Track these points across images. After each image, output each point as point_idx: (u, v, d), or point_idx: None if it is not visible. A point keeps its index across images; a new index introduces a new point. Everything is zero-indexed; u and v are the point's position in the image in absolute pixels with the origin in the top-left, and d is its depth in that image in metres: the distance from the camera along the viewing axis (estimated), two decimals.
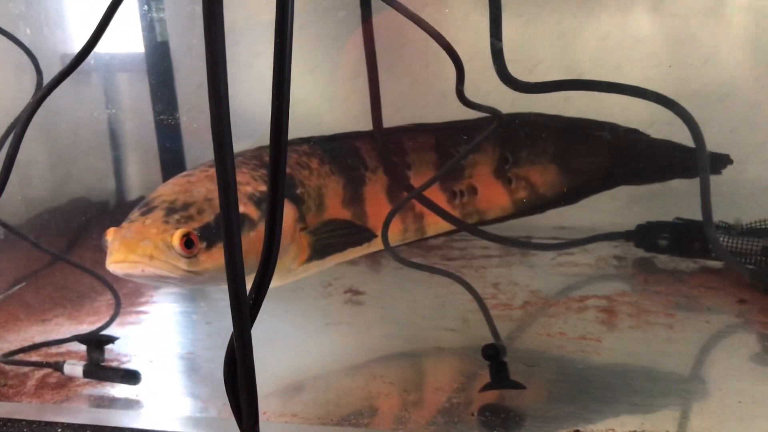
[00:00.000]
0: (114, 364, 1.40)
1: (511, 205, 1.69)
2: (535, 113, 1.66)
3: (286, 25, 0.70)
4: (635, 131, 1.71)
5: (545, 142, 1.71)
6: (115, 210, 2.18)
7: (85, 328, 1.60)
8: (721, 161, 1.68)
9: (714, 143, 1.60)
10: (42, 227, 1.95)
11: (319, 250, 1.31)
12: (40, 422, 1.22)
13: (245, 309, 0.75)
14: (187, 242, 1.07)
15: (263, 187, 1.21)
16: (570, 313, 1.56)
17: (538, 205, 1.71)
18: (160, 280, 1.10)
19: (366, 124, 1.53)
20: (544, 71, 1.78)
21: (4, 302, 1.77)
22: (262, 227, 0.93)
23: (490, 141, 1.64)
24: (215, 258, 1.09)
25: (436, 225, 1.58)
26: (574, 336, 1.45)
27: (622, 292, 1.66)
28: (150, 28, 1.92)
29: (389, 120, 1.53)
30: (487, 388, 1.21)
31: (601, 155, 1.76)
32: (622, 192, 1.80)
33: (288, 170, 1.32)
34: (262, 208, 1.17)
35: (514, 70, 1.32)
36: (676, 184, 1.82)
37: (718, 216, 1.67)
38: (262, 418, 0.82)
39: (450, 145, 1.62)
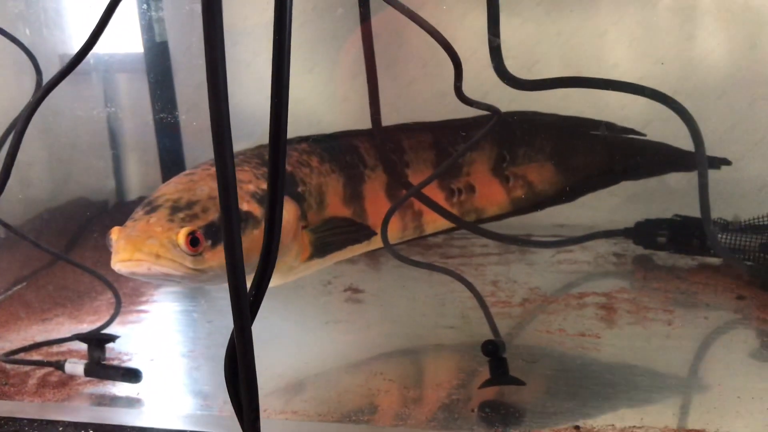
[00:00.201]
0: (115, 362, 1.41)
1: (508, 203, 1.70)
2: (532, 111, 1.66)
3: (284, 23, 0.70)
4: (631, 130, 1.72)
5: (542, 141, 1.71)
6: (115, 209, 2.19)
7: (85, 327, 1.60)
8: (716, 163, 1.68)
9: (712, 140, 1.61)
10: (42, 227, 1.95)
11: (320, 248, 1.31)
12: (41, 421, 1.23)
13: (246, 306, 0.76)
14: (193, 240, 1.07)
15: (266, 185, 1.21)
16: (569, 310, 1.56)
17: (536, 203, 1.72)
18: (165, 278, 1.10)
19: (365, 123, 1.53)
20: (541, 70, 1.78)
21: (5, 302, 1.77)
22: None
23: (488, 139, 1.65)
24: (220, 256, 1.08)
25: (434, 223, 1.59)
26: (573, 333, 1.45)
27: (621, 289, 1.66)
28: (149, 27, 1.93)
29: (388, 119, 1.54)
30: (486, 384, 1.22)
31: (597, 153, 1.76)
32: (621, 189, 1.80)
33: (289, 168, 1.32)
34: (265, 206, 1.17)
35: (512, 68, 1.32)
36: (675, 181, 1.82)
37: (716, 213, 1.67)
38: (262, 415, 0.82)
39: (448, 143, 1.62)
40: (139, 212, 1.13)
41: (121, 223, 1.13)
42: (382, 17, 1.53)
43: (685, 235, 1.80)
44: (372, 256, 1.85)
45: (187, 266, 1.07)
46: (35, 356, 1.45)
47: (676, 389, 1.25)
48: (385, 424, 1.16)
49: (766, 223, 1.72)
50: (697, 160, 1.57)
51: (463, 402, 1.21)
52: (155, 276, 1.08)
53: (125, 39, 1.95)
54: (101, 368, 1.33)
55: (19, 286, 1.85)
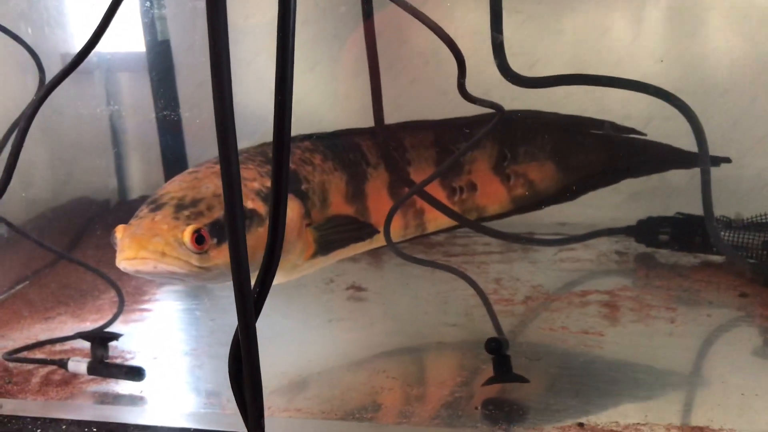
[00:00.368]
0: (118, 360, 1.41)
1: (509, 201, 1.70)
2: (534, 110, 1.66)
3: (288, 20, 0.70)
4: (631, 129, 1.72)
5: (543, 139, 1.71)
6: (118, 208, 2.19)
7: (88, 325, 1.60)
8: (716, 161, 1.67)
9: (715, 138, 1.60)
10: (45, 225, 1.95)
11: (324, 246, 1.31)
12: (44, 419, 1.23)
13: (250, 303, 0.76)
14: (198, 238, 1.07)
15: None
16: (572, 308, 1.56)
17: (537, 201, 1.72)
18: (170, 276, 1.10)
19: (367, 122, 1.53)
20: (543, 68, 1.78)
21: (8, 300, 1.77)
22: None
23: (489, 137, 1.65)
24: (225, 254, 1.08)
25: (436, 221, 1.59)
26: (576, 330, 1.45)
27: (624, 287, 1.66)
28: (151, 26, 1.93)
29: (390, 117, 1.54)
30: (490, 381, 1.21)
31: (597, 152, 1.76)
32: (623, 187, 1.80)
33: (292, 166, 1.32)
34: (269, 204, 1.17)
35: (514, 66, 1.32)
36: (677, 179, 1.82)
37: (719, 210, 1.67)
38: (266, 413, 0.82)
39: (450, 141, 1.62)
40: (143, 210, 1.13)
41: (124, 221, 1.13)
42: (385, 15, 1.52)
43: (687, 232, 1.80)
44: (374, 254, 1.85)
45: (193, 264, 1.07)
46: (38, 355, 1.45)
47: (680, 386, 1.25)
48: (388, 422, 1.16)
49: None
50: (699, 158, 1.57)
51: (467, 399, 1.21)
52: (160, 274, 1.08)
53: (128, 38, 1.95)
54: (104, 366, 1.33)
55: (22, 285, 1.85)
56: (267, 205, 1.17)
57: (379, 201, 1.47)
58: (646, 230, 1.87)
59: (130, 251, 1.06)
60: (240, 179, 0.72)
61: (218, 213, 1.10)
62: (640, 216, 1.88)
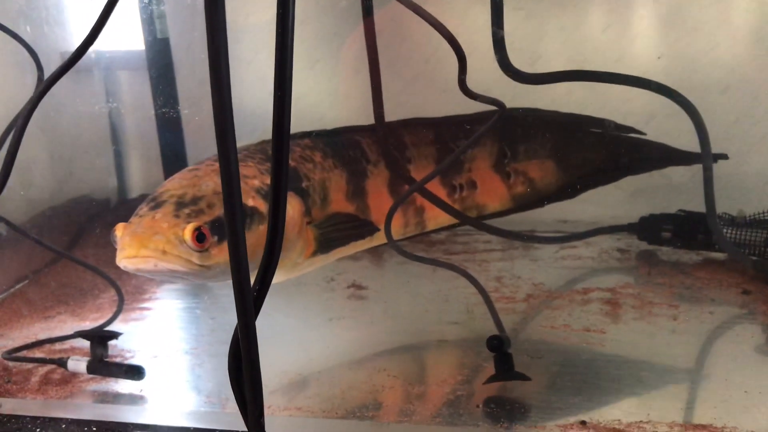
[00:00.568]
0: (118, 359, 1.41)
1: (509, 199, 1.69)
2: (533, 108, 1.66)
3: (287, 17, 0.69)
4: (631, 128, 1.71)
5: (543, 137, 1.71)
6: (118, 207, 2.18)
7: (88, 324, 1.60)
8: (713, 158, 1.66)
9: (716, 135, 1.60)
10: (45, 224, 1.94)
11: (325, 244, 1.30)
12: (44, 418, 1.23)
13: (249, 301, 0.75)
14: (199, 236, 1.06)
15: None
16: (574, 306, 1.56)
17: (537, 199, 1.71)
18: (170, 275, 1.09)
19: (368, 119, 1.52)
20: (544, 65, 1.77)
21: (7, 299, 1.77)
22: None
23: (490, 135, 1.64)
24: (226, 252, 1.07)
25: (436, 219, 1.58)
26: (578, 328, 1.45)
27: (626, 285, 1.66)
28: (150, 24, 1.92)
29: (391, 114, 1.53)
30: (492, 380, 1.21)
31: (597, 150, 1.76)
32: (625, 184, 1.79)
33: (293, 164, 1.32)
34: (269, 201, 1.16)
35: (515, 63, 1.32)
36: (679, 176, 1.82)
37: (721, 207, 1.67)
38: (266, 412, 0.82)
39: (450, 139, 1.62)
40: (143, 208, 1.12)
41: (123, 220, 1.12)
42: (385, 12, 1.52)
43: (689, 230, 1.79)
44: (375, 252, 1.85)
45: (194, 262, 1.06)
46: (38, 354, 1.45)
47: (682, 384, 1.24)
48: (389, 421, 1.15)
49: None
50: (702, 155, 1.57)
51: (468, 398, 1.21)
52: (161, 272, 1.07)
53: (127, 36, 1.95)
54: (104, 365, 1.33)
55: (21, 284, 1.84)
56: (267, 203, 1.16)
57: (379, 199, 1.47)
58: (648, 227, 1.86)
59: (131, 249, 1.05)
60: (239, 177, 0.71)
61: (219, 211, 1.10)
62: (642, 213, 1.88)
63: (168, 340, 1.54)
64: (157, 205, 1.11)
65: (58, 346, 1.49)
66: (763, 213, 1.72)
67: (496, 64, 1.30)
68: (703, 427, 1.09)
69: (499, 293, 1.63)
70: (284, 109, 0.72)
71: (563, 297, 1.62)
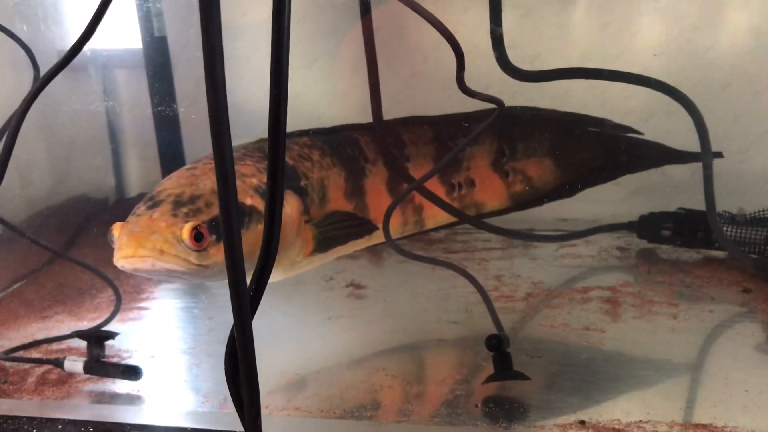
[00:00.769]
0: (115, 360, 1.40)
1: (508, 198, 1.69)
2: (531, 107, 1.65)
3: (283, 14, 0.69)
4: (628, 128, 1.71)
5: (541, 136, 1.71)
6: (115, 206, 2.18)
7: (86, 324, 1.59)
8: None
9: (716, 132, 1.60)
10: (42, 224, 1.94)
11: (323, 243, 1.29)
12: (40, 419, 1.22)
13: (246, 301, 0.74)
14: (197, 235, 1.05)
15: None
16: (573, 305, 1.55)
17: (535, 198, 1.71)
18: (168, 274, 1.08)
19: (367, 118, 1.52)
20: (544, 63, 1.77)
21: (4, 299, 1.76)
22: None
23: (488, 133, 1.64)
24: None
25: (435, 218, 1.58)
26: (577, 327, 1.44)
27: (626, 283, 1.65)
28: (147, 22, 1.92)
29: (389, 113, 1.53)
30: (490, 379, 1.20)
31: (594, 149, 1.76)
32: (625, 182, 1.79)
33: (291, 162, 1.31)
34: (265, 200, 1.16)
35: (514, 61, 1.31)
36: (679, 174, 1.81)
37: (721, 206, 1.66)
38: (264, 412, 0.81)
39: (449, 137, 1.61)
40: (141, 207, 1.11)
41: (121, 219, 1.11)
42: (383, 10, 1.51)
43: (689, 228, 1.79)
44: (374, 251, 1.84)
45: (192, 262, 1.06)
46: (35, 354, 1.44)
47: (682, 383, 1.24)
48: (387, 421, 1.15)
49: None
50: (702, 152, 1.56)
51: (467, 397, 1.20)
52: (159, 272, 1.06)
53: (124, 34, 1.94)
54: (101, 366, 1.32)
55: (18, 284, 1.84)
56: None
57: (378, 197, 1.46)
58: (648, 226, 1.86)
59: (128, 249, 1.04)
60: (234, 175, 0.70)
61: (217, 210, 1.09)
62: (641, 211, 1.87)
63: (165, 340, 1.53)
64: (154, 204, 1.10)
65: (55, 346, 1.48)
66: (764, 211, 1.72)
67: (494, 62, 1.30)
68: (704, 426, 1.08)
69: (498, 292, 1.63)
70: (280, 108, 0.71)
71: (563, 296, 1.62)
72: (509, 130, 1.68)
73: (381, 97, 1.50)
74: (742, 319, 1.47)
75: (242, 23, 1.87)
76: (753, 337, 1.37)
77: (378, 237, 1.44)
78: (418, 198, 1.51)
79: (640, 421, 1.10)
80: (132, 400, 1.27)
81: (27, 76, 1.52)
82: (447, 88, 1.32)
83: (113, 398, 1.28)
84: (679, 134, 1.64)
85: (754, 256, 1.68)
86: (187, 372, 1.39)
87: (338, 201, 1.39)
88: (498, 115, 1.33)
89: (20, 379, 1.35)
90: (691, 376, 1.27)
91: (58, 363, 1.34)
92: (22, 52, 1.52)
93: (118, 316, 1.59)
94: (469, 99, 1.29)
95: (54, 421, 1.21)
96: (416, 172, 1.52)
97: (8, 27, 1.52)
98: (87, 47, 1.14)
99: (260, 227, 1.12)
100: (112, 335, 1.39)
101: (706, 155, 1.57)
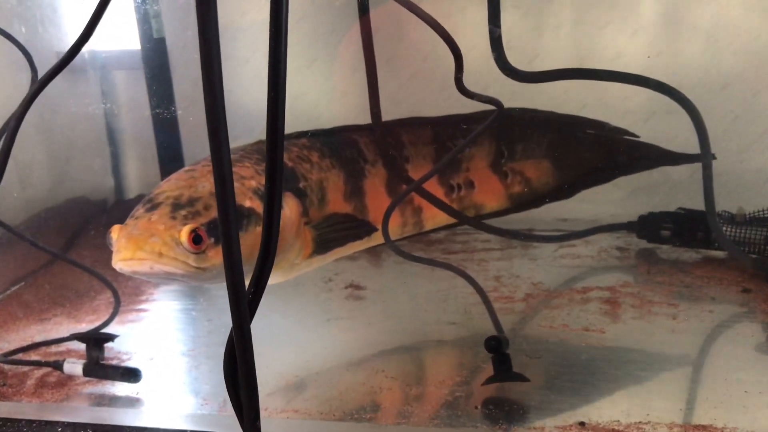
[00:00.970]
0: (114, 362, 1.40)
1: (507, 199, 1.69)
2: (529, 108, 1.65)
3: (280, 14, 0.69)
4: (625, 131, 1.72)
5: (539, 137, 1.71)
6: (114, 207, 2.18)
7: (85, 326, 1.59)
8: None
9: (715, 132, 1.60)
10: (41, 226, 1.94)
11: (322, 245, 1.29)
12: (40, 421, 1.21)
13: (244, 303, 0.74)
14: (195, 238, 1.05)
15: None
16: (573, 305, 1.55)
17: (534, 199, 1.71)
18: (167, 277, 1.08)
19: (365, 118, 1.52)
20: (542, 63, 1.77)
21: (2, 302, 1.76)
22: None
23: (486, 135, 1.64)
24: None
25: (434, 219, 1.58)
26: (577, 327, 1.44)
27: (625, 283, 1.65)
28: (146, 24, 1.92)
29: (388, 114, 1.52)
30: (490, 381, 1.20)
31: (592, 151, 1.76)
32: (624, 183, 1.79)
33: (290, 164, 1.31)
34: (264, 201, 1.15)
35: (513, 62, 1.31)
36: (679, 174, 1.81)
37: (720, 205, 1.66)
38: (263, 414, 0.81)
39: (448, 138, 1.61)
40: (139, 210, 1.11)
41: (119, 221, 1.11)
42: (382, 11, 1.51)
43: (689, 228, 1.79)
44: (373, 252, 1.84)
45: (190, 264, 1.05)
46: (34, 356, 1.44)
47: (682, 384, 1.24)
48: (387, 423, 1.15)
49: None
50: (701, 152, 1.56)
51: (466, 399, 1.20)
52: (157, 275, 1.06)
53: (122, 35, 1.94)
54: (100, 368, 1.32)
55: (17, 286, 1.83)
56: None
57: (377, 198, 1.46)
58: (648, 226, 1.86)
59: (127, 252, 1.04)
60: (232, 177, 0.70)
61: (215, 212, 1.09)
62: (641, 211, 1.87)
63: (165, 342, 1.53)
64: (153, 206, 1.10)
65: (54, 348, 1.48)
66: (763, 211, 1.71)
67: (493, 63, 1.29)
68: (703, 427, 1.08)
69: (497, 293, 1.63)
70: (278, 108, 0.71)
71: (562, 296, 1.61)
72: (508, 132, 1.68)
73: (379, 97, 1.50)
74: (741, 320, 1.46)
75: (241, 24, 1.87)
76: (753, 338, 1.37)
77: (377, 238, 1.44)
78: (418, 199, 1.51)
79: (640, 422, 1.10)
80: (131, 402, 1.27)
81: (25, 78, 1.52)
82: (446, 88, 1.32)
83: (112, 401, 1.27)
84: (679, 134, 1.65)
85: (754, 256, 1.68)
86: (186, 374, 1.39)
87: (337, 202, 1.39)
88: (497, 117, 1.33)
89: (19, 381, 1.35)
90: (690, 377, 1.26)
91: (58, 365, 1.34)
92: (20, 54, 1.52)
93: (117, 319, 1.59)
94: (468, 100, 1.29)
95: (53, 424, 1.21)
96: (415, 173, 1.52)
97: (6, 29, 1.52)
98: (85, 49, 1.14)
99: (259, 229, 1.12)
100: (111, 337, 1.38)
101: (705, 155, 1.57)
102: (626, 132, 1.71)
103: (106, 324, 1.57)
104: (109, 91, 2.10)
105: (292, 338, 1.49)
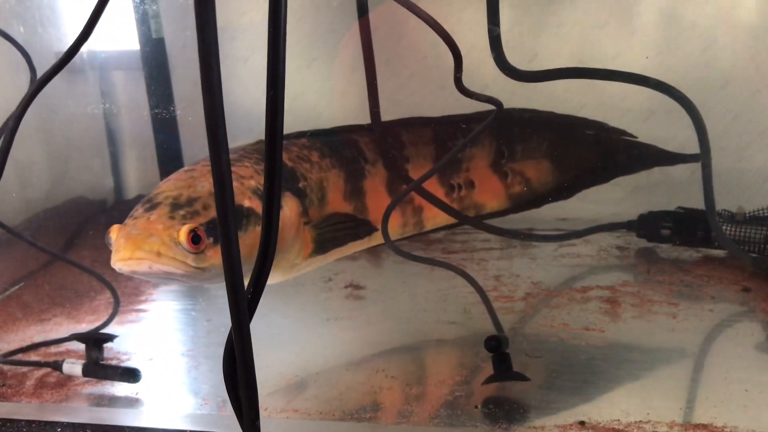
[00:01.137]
0: (113, 362, 1.40)
1: (507, 199, 1.69)
2: (529, 109, 1.65)
3: (279, 14, 0.69)
4: (623, 131, 1.72)
5: (539, 138, 1.71)
6: (114, 207, 2.18)
7: (84, 327, 1.59)
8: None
9: (715, 131, 1.59)
10: (40, 226, 1.94)
11: (322, 245, 1.29)
12: (39, 422, 1.21)
13: (243, 303, 0.74)
14: (194, 238, 1.05)
15: None
16: (573, 304, 1.55)
17: (533, 199, 1.71)
18: (166, 277, 1.08)
19: (364, 118, 1.52)
20: (542, 62, 1.76)
21: (2, 302, 1.76)
22: None
23: (487, 135, 1.64)
24: None
25: (434, 219, 1.57)
26: (577, 327, 1.44)
27: (625, 283, 1.65)
28: (145, 24, 1.92)
29: (388, 113, 1.52)
30: (490, 380, 1.20)
31: (590, 151, 1.76)
32: (624, 182, 1.79)
33: (290, 164, 1.31)
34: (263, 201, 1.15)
35: (512, 61, 1.31)
36: (678, 173, 1.81)
37: (720, 204, 1.66)
38: (263, 414, 0.81)
39: (449, 138, 1.61)
40: (138, 210, 1.11)
41: (119, 221, 1.11)
42: (381, 10, 1.51)
43: (689, 227, 1.78)
44: (373, 252, 1.84)
45: (189, 264, 1.05)
46: (33, 357, 1.44)
47: (682, 383, 1.24)
48: (387, 422, 1.15)
49: None
50: (701, 151, 1.56)
51: (466, 398, 1.20)
52: (156, 275, 1.06)
53: (121, 35, 1.94)
54: (99, 368, 1.32)
55: (17, 286, 1.83)
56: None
57: (377, 198, 1.46)
58: (648, 225, 1.86)
59: (126, 252, 1.04)
60: (231, 177, 0.70)
61: (214, 212, 1.08)
62: (641, 210, 1.87)
63: (164, 343, 1.53)
64: (152, 206, 1.10)
65: (53, 349, 1.48)
66: (763, 210, 1.71)
67: (492, 62, 1.29)
68: (704, 426, 1.08)
69: (497, 292, 1.63)
70: (277, 109, 0.71)
71: (562, 296, 1.61)
72: (508, 132, 1.68)
73: (379, 97, 1.50)
74: (741, 318, 1.46)
75: (240, 24, 1.87)
76: (753, 337, 1.37)
77: (378, 238, 1.44)
78: (418, 199, 1.51)
79: (640, 421, 1.10)
80: (131, 402, 1.27)
81: (24, 79, 1.52)
82: (445, 87, 1.32)
83: (112, 401, 1.27)
84: (678, 134, 1.65)
85: (754, 254, 1.67)
86: (185, 374, 1.39)
87: (337, 202, 1.38)
88: (496, 116, 1.33)
89: (19, 382, 1.35)
90: (690, 376, 1.26)
91: (57, 366, 1.33)
92: (19, 55, 1.52)
93: (116, 319, 1.59)
94: (468, 99, 1.29)
95: (53, 424, 1.21)
96: (416, 173, 1.52)
97: (5, 29, 1.52)
98: (84, 49, 1.14)
99: (258, 229, 1.12)
100: (110, 338, 1.38)
101: (704, 155, 1.57)
102: (624, 132, 1.71)
103: (105, 324, 1.57)
104: (108, 91, 2.10)
105: (292, 338, 1.49)
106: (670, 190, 1.86)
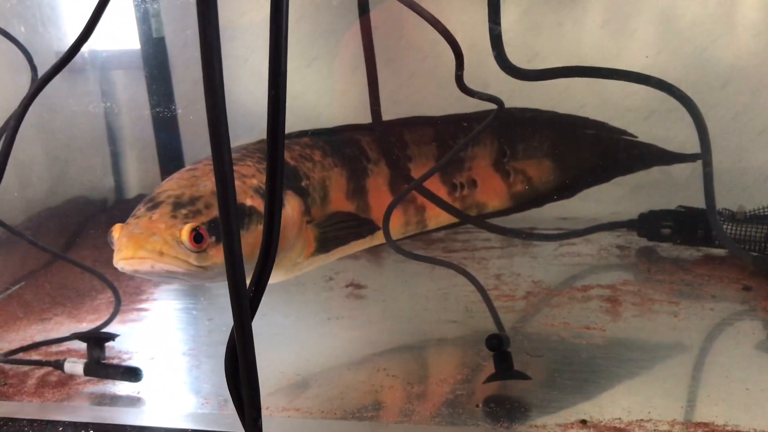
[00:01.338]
0: (115, 361, 1.40)
1: (509, 198, 1.69)
2: (531, 108, 1.65)
3: (281, 14, 0.69)
4: (624, 131, 1.73)
5: (540, 137, 1.71)
6: (115, 207, 2.18)
7: (85, 326, 1.59)
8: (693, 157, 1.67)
9: (715, 130, 1.59)
10: (41, 225, 1.94)
11: (324, 243, 1.29)
12: (41, 421, 1.22)
13: (245, 302, 0.74)
14: (196, 237, 1.05)
15: None
16: (573, 303, 1.55)
17: (535, 198, 1.71)
18: (168, 276, 1.08)
19: (365, 117, 1.52)
20: (542, 61, 1.76)
21: (3, 301, 1.76)
22: None
23: (489, 134, 1.64)
24: None
25: (437, 218, 1.58)
26: (578, 326, 1.44)
27: (626, 282, 1.65)
28: (146, 23, 1.91)
29: (388, 112, 1.52)
30: (491, 379, 1.20)
31: (590, 151, 1.76)
32: (624, 181, 1.79)
33: (292, 162, 1.31)
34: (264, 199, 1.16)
35: (513, 60, 1.31)
36: (679, 172, 1.81)
37: (721, 203, 1.66)
38: (264, 413, 0.81)
39: (451, 137, 1.61)
40: (141, 209, 1.11)
41: (120, 220, 1.11)
42: (382, 9, 1.51)
43: (689, 226, 1.78)
44: (374, 251, 1.84)
45: (191, 263, 1.06)
46: (34, 356, 1.44)
47: (683, 382, 1.24)
48: (388, 421, 1.15)
49: None
50: (701, 150, 1.56)
51: (468, 397, 1.20)
52: (158, 274, 1.06)
53: (122, 35, 1.94)
54: (101, 367, 1.32)
55: (18, 286, 1.83)
56: None
57: (379, 197, 1.46)
58: (648, 224, 1.86)
59: (128, 251, 1.04)
60: (233, 175, 0.70)
61: (217, 211, 1.09)
62: (641, 210, 1.87)
63: (165, 342, 1.53)
64: (154, 205, 1.10)
65: (54, 348, 1.48)
66: (764, 208, 1.71)
67: (493, 61, 1.29)
68: (705, 425, 1.08)
69: (498, 291, 1.63)
70: (279, 108, 0.71)
71: (563, 294, 1.61)
72: (510, 131, 1.68)
73: (380, 96, 1.50)
74: (742, 317, 1.46)
75: (241, 23, 1.87)
76: (754, 335, 1.37)
77: (380, 237, 1.44)
78: (421, 199, 1.51)
79: (642, 419, 1.10)
80: (132, 401, 1.27)
81: (25, 78, 1.52)
82: (447, 87, 1.32)
83: (113, 400, 1.27)
84: (679, 133, 1.65)
85: (755, 253, 1.67)
86: (187, 373, 1.39)
87: (340, 201, 1.38)
88: (497, 115, 1.33)
89: (20, 381, 1.35)
90: (691, 375, 1.26)
91: (58, 365, 1.34)
92: (20, 54, 1.52)
93: (117, 318, 1.59)
94: (470, 98, 1.29)
95: (54, 423, 1.21)
96: (418, 172, 1.52)
97: (6, 28, 1.52)
98: (85, 48, 1.14)
99: (260, 228, 1.12)
100: (112, 337, 1.38)
101: (705, 154, 1.57)
102: (625, 132, 1.71)
103: (106, 323, 1.57)
104: (109, 90, 2.10)
105: (294, 337, 1.49)
106: (670, 189, 1.86)
